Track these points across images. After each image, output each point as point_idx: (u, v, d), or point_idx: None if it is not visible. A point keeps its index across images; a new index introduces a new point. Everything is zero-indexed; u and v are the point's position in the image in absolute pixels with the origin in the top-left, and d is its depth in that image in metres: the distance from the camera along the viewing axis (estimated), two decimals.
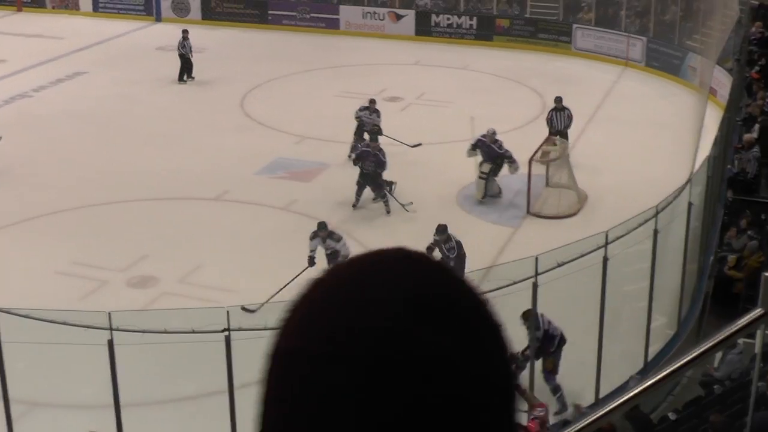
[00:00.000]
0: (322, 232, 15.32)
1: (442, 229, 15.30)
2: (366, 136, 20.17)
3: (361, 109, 20.97)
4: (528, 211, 18.24)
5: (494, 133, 18.68)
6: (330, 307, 1.04)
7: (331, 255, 15.22)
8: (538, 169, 18.46)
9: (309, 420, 1.00)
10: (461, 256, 15.01)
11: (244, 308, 13.13)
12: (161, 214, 18.31)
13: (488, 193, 18.69)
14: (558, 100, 21.25)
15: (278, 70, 27.68)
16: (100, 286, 15.56)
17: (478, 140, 18.80)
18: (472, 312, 1.06)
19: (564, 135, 20.94)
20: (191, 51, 27.01)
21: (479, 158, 18.70)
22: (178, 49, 26.92)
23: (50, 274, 15.83)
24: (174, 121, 23.29)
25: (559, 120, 20.94)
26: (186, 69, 26.90)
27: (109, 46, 30.93)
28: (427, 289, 1.05)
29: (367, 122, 20.65)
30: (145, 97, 25.30)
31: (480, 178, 18.61)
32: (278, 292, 14.08)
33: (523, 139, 20.23)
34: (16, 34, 32.17)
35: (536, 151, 18.58)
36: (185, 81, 26.75)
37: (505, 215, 18.10)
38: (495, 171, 18.64)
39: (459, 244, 15.13)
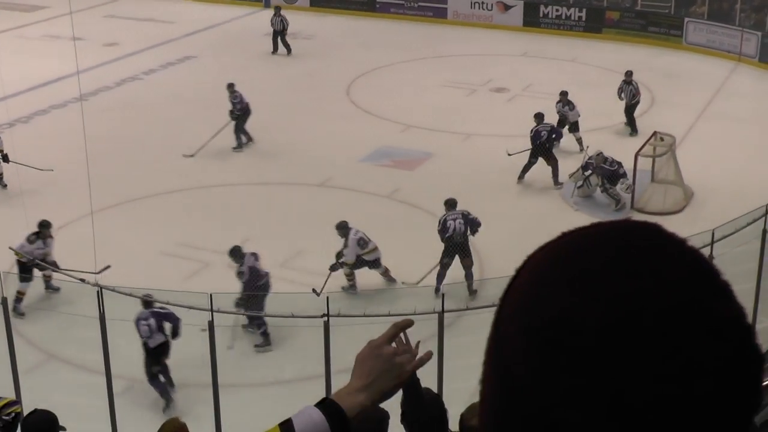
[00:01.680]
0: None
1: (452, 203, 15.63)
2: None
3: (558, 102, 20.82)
4: (632, 207, 17.96)
5: (601, 154, 18.23)
6: (616, 281, 1.00)
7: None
8: (644, 165, 18.14)
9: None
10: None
11: (314, 291, 13.30)
12: (265, 198, 18.48)
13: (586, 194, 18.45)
14: (628, 74, 21.73)
15: (385, 59, 27.72)
16: (202, 268, 15.76)
17: (587, 163, 18.37)
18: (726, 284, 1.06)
19: (630, 110, 20.92)
20: (284, 26, 28.26)
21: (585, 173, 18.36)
22: (271, 24, 28.51)
23: (154, 254, 16.09)
24: (280, 107, 23.45)
25: (626, 93, 21.49)
26: (277, 42, 28.23)
27: (218, 31, 31.32)
28: (701, 263, 1.05)
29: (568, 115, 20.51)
30: (251, 82, 25.53)
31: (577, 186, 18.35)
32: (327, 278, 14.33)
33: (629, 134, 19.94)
34: (129, 18, 32.77)
35: (643, 146, 18.26)
36: (276, 52, 28.18)
37: (609, 211, 17.81)
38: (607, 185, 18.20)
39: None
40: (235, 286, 13.96)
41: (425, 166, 19.97)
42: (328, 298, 10.85)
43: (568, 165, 18.99)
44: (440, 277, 15.03)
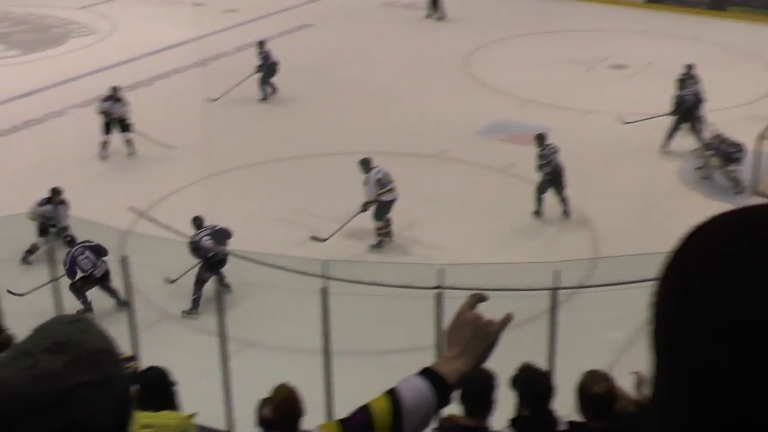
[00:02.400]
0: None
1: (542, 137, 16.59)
2: None
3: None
4: (754, 191, 17.51)
5: (719, 135, 17.80)
6: None
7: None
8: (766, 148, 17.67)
9: None
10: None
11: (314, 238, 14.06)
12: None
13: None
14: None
15: (503, 32, 27.48)
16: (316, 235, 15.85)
17: (708, 143, 17.96)
18: None
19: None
20: None
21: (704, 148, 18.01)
22: None
23: (268, 220, 16.25)
24: (399, 78, 23.44)
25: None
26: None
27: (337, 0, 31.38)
28: None
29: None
30: (368, 52, 25.58)
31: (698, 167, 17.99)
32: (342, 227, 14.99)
33: (752, 116, 19.43)
34: None
35: (766, 129, 17.78)
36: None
37: (727, 194, 17.40)
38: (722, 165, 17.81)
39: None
40: (347, 255, 14.04)
41: None
42: (443, 269, 10.83)
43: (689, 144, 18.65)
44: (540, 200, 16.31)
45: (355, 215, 15.57)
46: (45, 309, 11.89)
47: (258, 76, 22.30)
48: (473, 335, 2.21)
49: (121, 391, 1.66)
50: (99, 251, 13.67)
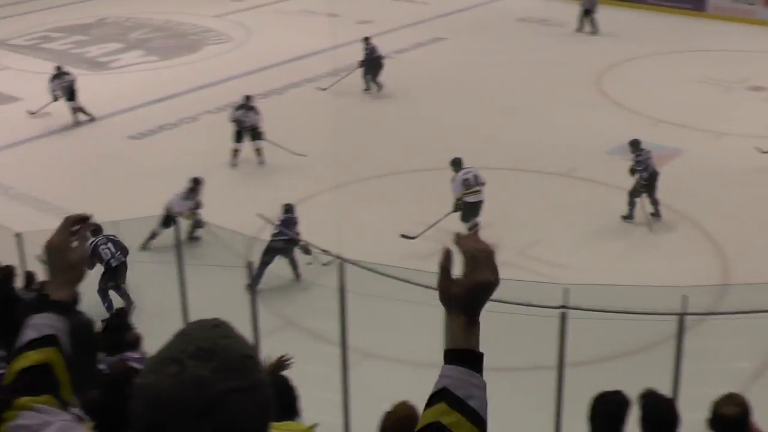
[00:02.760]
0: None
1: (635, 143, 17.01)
2: None
3: None
4: None
5: None
6: None
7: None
8: None
9: None
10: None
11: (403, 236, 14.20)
12: (508, 183, 18.36)
13: None
14: None
15: (638, 50, 27.05)
16: (439, 250, 15.78)
17: None
18: None
19: None
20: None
21: None
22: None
23: (394, 232, 16.26)
24: (528, 93, 23.29)
25: None
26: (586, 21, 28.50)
27: (470, 13, 31.32)
28: None
29: None
30: (500, 66, 25.46)
31: None
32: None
33: None
34: None
35: None
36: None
37: None
38: None
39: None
40: None
41: (674, 162, 19.35)
42: (567, 289, 10.67)
43: None
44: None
45: (447, 215, 15.72)
46: (172, 306, 12.13)
47: (361, 69, 23.34)
48: (466, 291, 2.17)
49: (265, 396, 1.70)
50: (119, 246, 14.23)
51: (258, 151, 19.40)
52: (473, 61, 25.71)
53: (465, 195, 16.01)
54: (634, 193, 16.52)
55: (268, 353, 11.06)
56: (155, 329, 12.23)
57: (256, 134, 19.41)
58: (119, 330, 10.43)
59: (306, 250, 14.99)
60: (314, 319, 13.68)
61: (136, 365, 9.20)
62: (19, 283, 12.68)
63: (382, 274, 12.49)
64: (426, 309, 11.84)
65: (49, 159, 20.29)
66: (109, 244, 14.24)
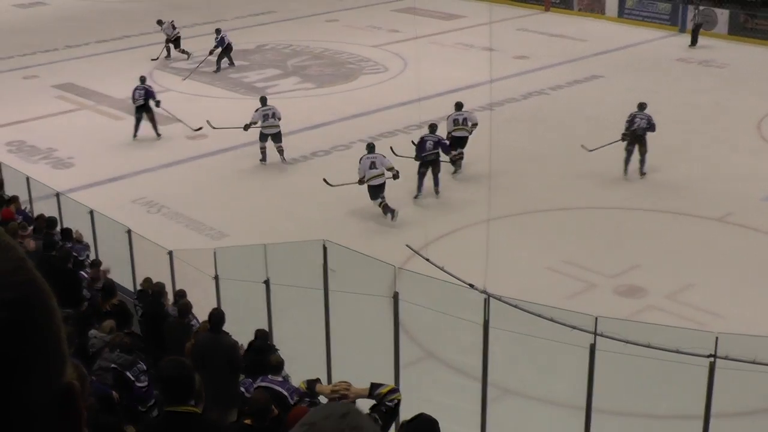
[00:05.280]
0: None
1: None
2: None
3: None
4: None
5: None
6: None
7: None
8: None
9: None
10: None
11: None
12: (659, 226, 18.02)
13: None
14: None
15: None
16: (587, 289, 15.59)
17: None
18: None
19: None
20: None
21: None
22: None
23: (541, 269, 16.11)
24: (684, 134, 22.80)
25: None
26: None
27: (629, 52, 30.90)
28: None
29: None
30: (656, 106, 24.97)
31: None
32: None
33: None
34: (541, 33, 33.13)
35: None
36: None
37: None
38: None
39: None
40: (619, 312, 13.67)
41: None
42: (717, 338, 10.36)
43: None
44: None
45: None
46: (316, 331, 12.22)
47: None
48: None
49: None
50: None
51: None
52: (629, 99, 25.28)
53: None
54: None
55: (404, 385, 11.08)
56: (298, 353, 12.37)
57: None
58: (263, 352, 10.56)
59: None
60: (456, 352, 13.61)
61: (278, 389, 9.30)
62: (168, 300, 12.99)
63: (527, 311, 12.36)
64: (569, 349, 11.72)
65: (203, 180, 20.77)
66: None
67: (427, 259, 15.23)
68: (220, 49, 29.00)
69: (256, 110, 21.25)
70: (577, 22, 34.52)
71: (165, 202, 19.43)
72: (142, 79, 24.00)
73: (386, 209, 18.35)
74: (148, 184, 20.56)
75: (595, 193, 19.39)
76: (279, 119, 21.38)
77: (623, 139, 20.18)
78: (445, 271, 14.76)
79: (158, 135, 23.37)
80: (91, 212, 16.00)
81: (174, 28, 30.85)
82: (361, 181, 18.54)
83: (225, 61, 29.44)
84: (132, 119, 23.38)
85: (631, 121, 20.32)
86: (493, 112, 24.10)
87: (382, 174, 18.48)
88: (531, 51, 30.59)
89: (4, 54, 32.26)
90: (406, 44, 31.67)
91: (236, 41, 31.87)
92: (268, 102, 21.84)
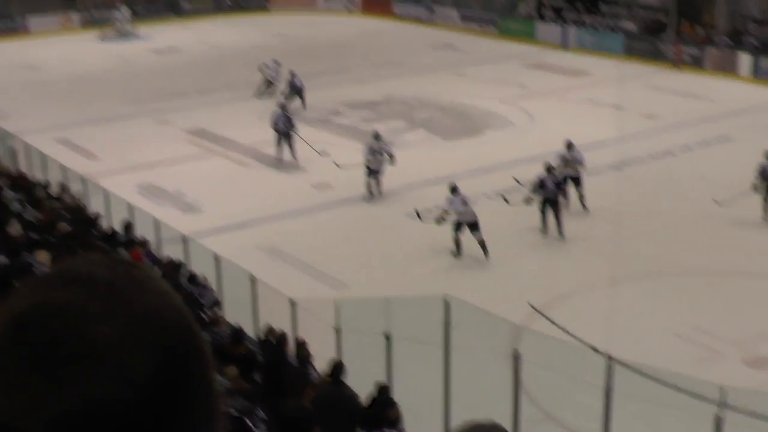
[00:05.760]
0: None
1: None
2: None
3: None
4: None
5: None
6: None
7: None
8: None
9: None
10: None
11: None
12: None
13: None
14: None
15: None
16: (713, 357, 15.19)
17: None
18: None
19: None
20: None
21: None
22: None
23: (668, 334, 15.76)
24: None
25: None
26: None
27: (763, 115, 30.20)
28: None
29: None
30: None
31: None
32: None
33: None
34: (669, 91, 32.64)
35: None
36: None
37: None
38: None
39: None
40: (746, 383, 13.28)
41: None
42: None
43: None
44: None
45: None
46: (434, 387, 12.11)
47: None
48: None
49: None
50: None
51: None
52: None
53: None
54: None
55: None
56: (416, 408, 12.31)
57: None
58: (382, 405, 10.54)
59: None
60: (576, 415, 13.38)
61: None
62: (289, 348, 13.07)
63: (650, 377, 12.09)
64: (693, 419, 11.39)
65: (328, 229, 20.95)
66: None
67: (549, 319, 15.06)
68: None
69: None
70: (708, 81, 33.95)
71: (289, 250, 19.64)
72: (282, 107, 26.05)
73: (459, 246, 19.15)
74: (273, 231, 20.82)
75: (725, 257, 18.93)
76: (389, 156, 22.34)
77: (754, 190, 19.85)
78: (567, 332, 14.57)
79: (296, 159, 25.21)
80: (217, 257, 16.25)
81: (278, 64, 32.70)
82: (440, 219, 19.37)
83: (298, 103, 30.38)
84: (257, 164, 23.79)
85: (762, 171, 19.89)
86: (619, 170, 23.81)
87: (472, 212, 19.20)
88: (660, 110, 30.17)
89: (140, 98, 33.24)
90: (533, 99, 31.60)
91: (364, 92, 32.30)
92: (381, 138, 22.73)
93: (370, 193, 22.50)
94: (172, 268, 15.11)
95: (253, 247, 19.73)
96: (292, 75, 30.91)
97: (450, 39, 43.42)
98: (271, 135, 25.62)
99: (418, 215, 20.15)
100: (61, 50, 43.23)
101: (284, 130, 25.32)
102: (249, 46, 42.76)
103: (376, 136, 22.73)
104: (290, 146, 25.31)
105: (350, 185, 22.61)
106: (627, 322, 15.50)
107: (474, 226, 19.12)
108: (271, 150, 25.58)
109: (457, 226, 19.23)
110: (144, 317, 1.04)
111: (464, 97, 32.15)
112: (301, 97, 30.51)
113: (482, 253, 19.01)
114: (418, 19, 47.68)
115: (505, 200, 20.71)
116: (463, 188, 21.97)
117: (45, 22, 47.39)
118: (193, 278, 15.18)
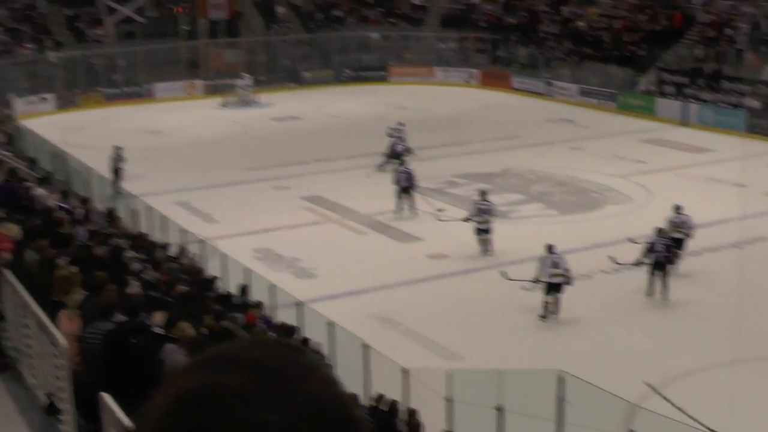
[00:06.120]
0: None
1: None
2: None
3: None
4: None
5: None
6: None
7: None
8: None
9: None
10: None
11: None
12: None
13: None
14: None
15: None
16: None
17: None
18: None
19: None
20: None
21: None
22: None
23: None
24: None
25: None
26: None
27: None
28: None
29: None
30: None
31: None
32: None
33: None
34: None
35: None
36: None
37: None
38: None
39: None
40: None
41: None
42: None
43: None
44: None
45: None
46: None
47: None
48: None
49: None
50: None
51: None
52: None
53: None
54: None
55: None
56: None
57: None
58: None
59: None
60: None
61: None
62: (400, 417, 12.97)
63: None
64: None
65: (441, 300, 20.86)
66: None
67: (666, 399, 14.68)
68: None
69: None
70: None
71: (402, 319, 19.59)
72: (402, 163, 28.57)
73: (547, 309, 19.47)
74: (386, 299, 20.82)
75: None
76: (494, 216, 22.67)
77: None
78: (685, 413, 14.17)
79: (416, 214, 26.68)
80: (330, 323, 16.28)
81: (402, 125, 33.84)
82: (536, 280, 19.72)
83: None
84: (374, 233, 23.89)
85: None
86: (740, 249, 23.28)
87: (563, 274, 19.49)
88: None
89: (259, 164, 33.78)
90: (652, 175, 31.20)
91: (480, 164, 32.35)
92: (487, 198, 23.08)
93: (485, 250, 22.92)
94: (286, 333, 15.19)
95: (366, 315, 19.74)
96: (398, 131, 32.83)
97: (568, 113, 43.28)
98: (387, 204, 25.76)
99: (507, 277, 20.26)
100: (184, 116, 44.34)
101: (406, 186, 26.93)
102: (368, 116, 43.23)
103: (482, 194, 22.85)
104: (410, 201, 26.90)
105: (465, 256, 22.56)
106: (747, 404, 15.02)
107: (558, 288, 19.52)
108: (386, 219, 25.71)
109: (547, 289, 19.60)
110: (310, 405, 1.05)
111: (581, 172, 31.90)
112: (400, 156, 31.33)
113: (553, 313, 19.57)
114: (536, 93, 47.68)
115: (616, 262, 20.59)
116: (578, 263, 21.76)
117: (170, 89, 48.76)
118: (305, 343, 15.21)
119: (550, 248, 19.95)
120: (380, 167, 31.42)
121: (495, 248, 23.06)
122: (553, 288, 19.54)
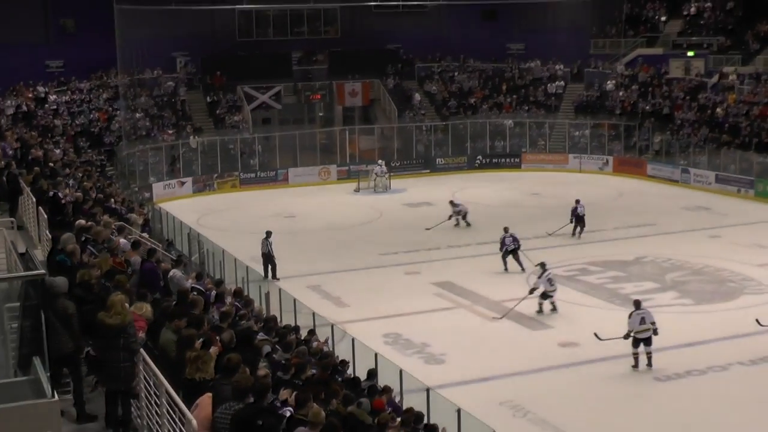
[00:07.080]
0: None
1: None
2: None
3: None
4: None
5: None
6: None
7: None
8: None
9: None
10: None
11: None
12: None
13: None
14: None
15: None
16: None
17: None
18: None
19: None
20: None
21: None
22: None
23: None
24: None
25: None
26: None
27: None
28: None
29: None
30: None
31: None
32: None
33: None
34: None
35: None
36: None
37: None
38: None
39: None
40: None
41: None
42: None
43: None
44: None
45: None
46: None
47: None
48: None
49: None
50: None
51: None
52: None
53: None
54: None
55: None
56: None
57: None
58: None
59: None
60: None
61: None
62: None
63: None
64: None
65: (573, 388, 20.49)
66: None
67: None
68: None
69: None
70: None
71: (532, 407, 19.28)
72: (506, 229, 30.63)
73: (637, 360, 21.08)
74: (516, 387, 20.55)
75: None
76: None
77: None
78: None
79: (523, 270, 29.68)
80: (459, 410, 16.11)
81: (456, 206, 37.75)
82: (627, 335, 21.09)
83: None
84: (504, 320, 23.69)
85: None
86: None
87: (649, 329, 20.99)
88: None
89: (392, 249, 33.95)
90: None
91: (615, 251, 31.93)
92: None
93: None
94: (414, 419, 15.07)
95: (495, 402, 19.49)
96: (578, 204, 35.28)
97: (705, 200, 42.52)
98: (518, 291, 25.60)
99: (597, 337, 21.62)
100: (318, 200, 45.01)
101: (512, 248, 30.11)
102: (501, 202, 43.20)
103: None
104: (518, 261, 30.06)
105: (597, 345, 22.11)
106: None
107: (647, 342, 21.03)
108: (514, 304, 25.51)
109: (635, 342, 21.07)
110: None
111: (719, 260, 31.17)
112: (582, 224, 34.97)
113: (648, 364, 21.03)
114: (671, 180, 47.01)
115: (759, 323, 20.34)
116: (715, 356, 21.21)
117: (304, 174, 49.67)
118: (433, 430, 15.07)
119: (636, 304, 21.60)
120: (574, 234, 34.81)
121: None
122: (642, 341, 21.00)
